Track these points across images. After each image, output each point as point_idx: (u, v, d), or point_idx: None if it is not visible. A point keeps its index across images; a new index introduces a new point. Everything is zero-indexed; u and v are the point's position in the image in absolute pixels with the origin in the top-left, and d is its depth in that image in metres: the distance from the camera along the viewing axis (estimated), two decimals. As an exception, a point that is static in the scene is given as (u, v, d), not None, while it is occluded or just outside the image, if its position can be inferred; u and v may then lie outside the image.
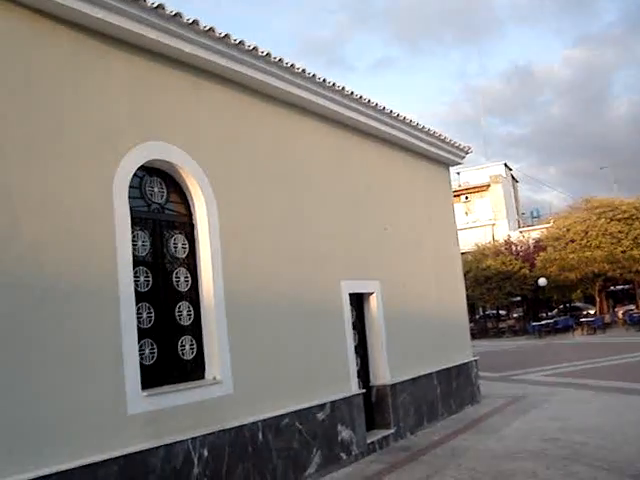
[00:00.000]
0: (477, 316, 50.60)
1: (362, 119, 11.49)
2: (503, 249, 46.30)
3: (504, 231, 53.71)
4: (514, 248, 46.50)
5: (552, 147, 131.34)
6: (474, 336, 45.94)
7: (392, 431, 11.25)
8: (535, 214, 61.60)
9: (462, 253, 48.25)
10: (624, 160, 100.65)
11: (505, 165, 62.43)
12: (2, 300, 5.92)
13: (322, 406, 9.56)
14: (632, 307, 42.66)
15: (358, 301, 11.43)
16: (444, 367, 13.51)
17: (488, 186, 59.18)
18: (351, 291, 10.82)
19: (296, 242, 9.71)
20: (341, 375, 10.24)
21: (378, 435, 10.95)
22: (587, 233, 40.71)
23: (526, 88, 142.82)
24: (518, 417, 12.50)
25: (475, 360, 15.23)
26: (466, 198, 58.97)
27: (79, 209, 6.74)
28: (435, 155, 14.56)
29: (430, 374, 12.88)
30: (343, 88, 10.53)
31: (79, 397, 6.39)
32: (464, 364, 14.57)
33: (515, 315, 49.66)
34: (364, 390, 10.73)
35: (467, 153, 15.72)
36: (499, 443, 10.41)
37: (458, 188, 60.99)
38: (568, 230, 41.72)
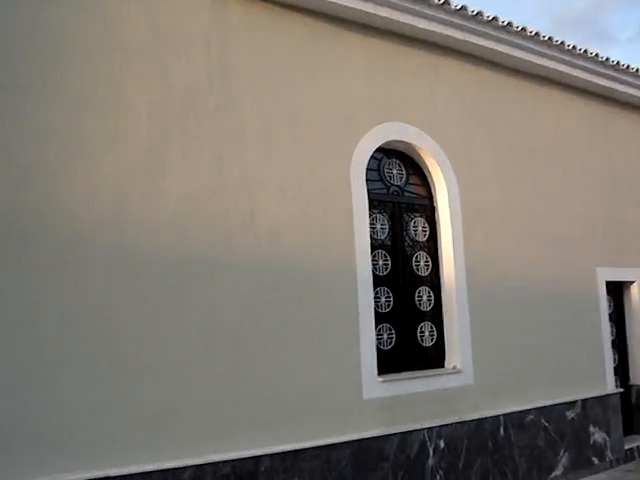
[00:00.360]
0: None
1: (619, 87, 10.17)
2: None
3: None
4: None
5: None
6: None
7: (654, 438, 10.03)
8: None
9: None
10: None
11: None
12: (243, 282, 6.12)
13: (572, 404, 8.76)
14: None
15: (616, 290, 10.28)
16: None
17: None
18: (608, 279, 9.75)
19: (544, 224, 8.92)
20: (595, 371, 9.30)
21: (639, 442, 9.81)
22: None
23: None
24: None
25: None
26: None
27: (317, 193, 6.76)
28: None
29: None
30: (596, 55, 9.38)
31: (315, 378, 6.46)
32: None
33: None
34: (622, 390, 9.65)
35: None
36: None
37: None
38: None
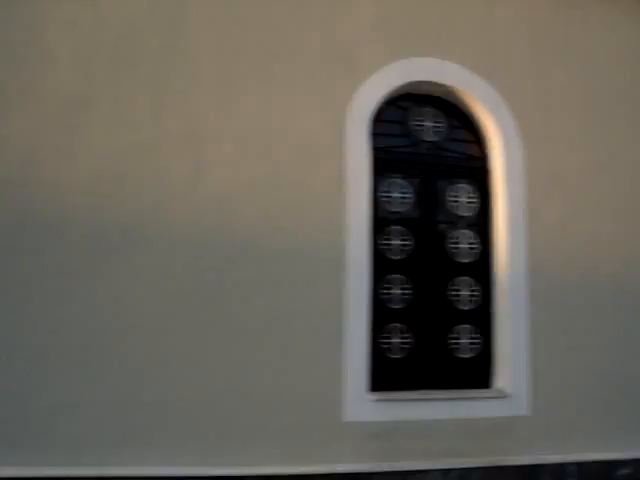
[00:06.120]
0: None
1: None
2: None
3: None
4: None
5: None
6: None
7: None
8: None
9: None
10: None
11: None
12: (179, 259, 4.86)
13: (625, 462, 6.01)
14: None
15: None
16: None
17: None
18: None
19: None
20: None
21: None
22: None
23: None
24: None
25: None
26: None
27: (293, 150, 5.27)
28: None
29: None
30: None
31: (273, 387, 5.02)
32: None
33: None
34: None
35: None
36: None
37: None
38: None
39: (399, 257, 5.55)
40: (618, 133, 6.10)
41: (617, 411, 5.77)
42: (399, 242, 5.57)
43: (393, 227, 5.57)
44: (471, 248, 5.77)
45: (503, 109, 5.75)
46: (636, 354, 5.90)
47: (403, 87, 5.62)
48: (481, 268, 5.74)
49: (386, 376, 5.36)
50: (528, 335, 5.56)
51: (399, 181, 5.65)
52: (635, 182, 6.09)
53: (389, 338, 5.45)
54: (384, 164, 5.56)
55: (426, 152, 5.78)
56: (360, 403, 5.11)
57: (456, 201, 5.79)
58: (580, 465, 5.56)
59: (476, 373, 5.63)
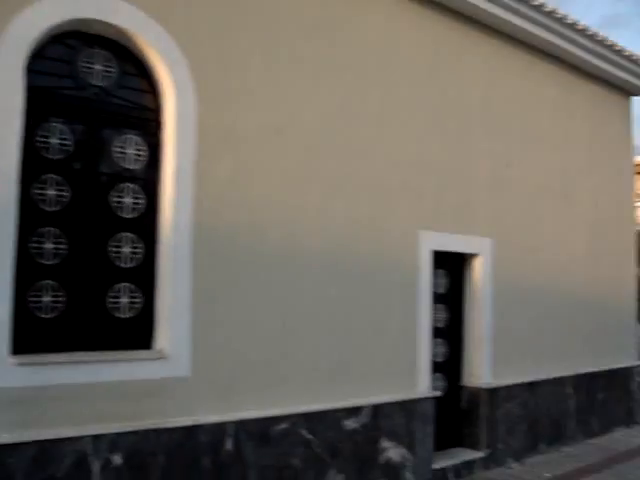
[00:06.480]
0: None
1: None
2: None
3: None
4: None
5: None
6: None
7: (482, 454, 7.97)
8: None
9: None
10: None
11: None
12: None
13: (354, 410, 6.61)
14: None
15: (454, 264, 8.16)
16: (586, 371, 9.74)
17: None
18: (438, 248, 7.60)
19: (343, 164, 6.71)
20: (401, 367, 7.15)
21: (458, 458, 7.74)
22: None
23: None
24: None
25: (640, 366, 11.18)
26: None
27: None
28: (608, 75, 10.42)
29: (560, 379, 9.24)
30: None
31: None
32: (621, 370, 10.58)
33: None
34: (439, 393, 7.54)
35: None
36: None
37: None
38: None
39: (54, 209, 5.03)
40: (320, 96, 6.38)
41: (275, 369, 6.00)
42: (55, 192, 5.04)
43: (49, 176, 5.03)
44: (136, 203, 5.46)
45: (180, 61, 5.54)
46: (297, 312, 6.19)
47: (72, 23, 5.07)
48: (145, 225, 5.48)
49: (35, 338, 4.86)
50: (191, 295, 5.47)
51: (60, 126, 5.11)
52: (309, 148, 6.35)
53: (39, 296, 4.93)
54: (43, 105, 4.98)
55: (93, 97, 5.30)
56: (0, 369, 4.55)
57: (123, 152, 5.43)
58: (239, 423, 5.66)
59: (137, 334, 5.38)
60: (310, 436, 6.19)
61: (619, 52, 10.10)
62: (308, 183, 6.39)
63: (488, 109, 8.44)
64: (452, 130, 7.90)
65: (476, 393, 8.07)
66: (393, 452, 6.90)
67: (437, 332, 7.81)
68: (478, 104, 8.30)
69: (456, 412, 8.11)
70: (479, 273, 8.17)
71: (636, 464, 8.35)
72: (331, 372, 6.46)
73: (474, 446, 8.01)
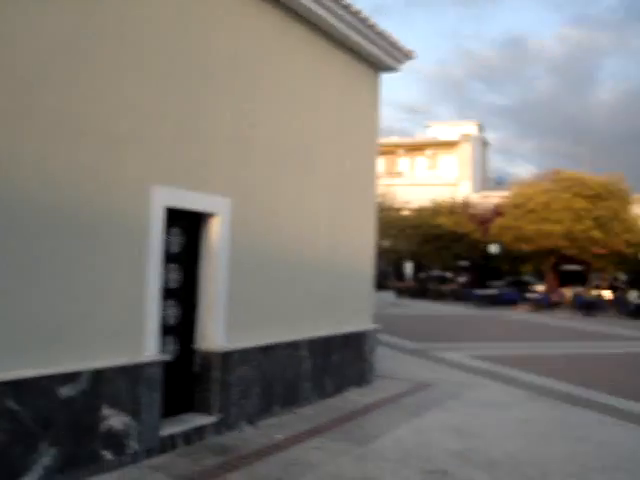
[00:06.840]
0: (423, 275, 47.66)
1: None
2: (460, 210, 43.28)
3: (466, 192, 50.42)
4: (471, 210, 43.52)
5: (532, 122, 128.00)
6: (413, 295, 43.15)
7: (214, 419, 7.66)
8: (499, 180, 58.09)
9: (419, 209, 45.22)
10: (600, 145, 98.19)
11: (478, 126, 58.80)
12: None
13: (72, 376, 5.89)
14: (581, 289, 39.95)
15: (190, 223, 7.69)
16: (322, 334, 9.89)
17: (456, 144, 55.59)
18: (172, 204, 7.08)
19: (66, 103, 5.87)
20: (127, 330, 6.55)
21: (188, 424, 7.34)
22: (549, 205, 37.97)
23: (516, 59, 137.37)
24: (409, 419, 8.94)
25: (374, 329, 11.70)
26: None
27: None
28: (360, 48, 10.61)
29: (296, 342, 9.25)
30: None
31: None
32: (355, 333, 10.95)
33: (460, 280, 46.50)
34: (168, 357, 7.08)
35: (408, 58, 11.87)
36: (357, 466, 6.86)
37: (425, 141, 57.74)
38: (530, 199, 38.84)
39: None
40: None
41: None
42: None
43: None
44: None
45: None
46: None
47: None
48: None
49: None
50: None
51: None
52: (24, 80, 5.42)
53: None
54: None
55: None
56: None
57: None
58: None
59: None
60: (16, 407, 5.38)
61: (371, 27, 10.30)
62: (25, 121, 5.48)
63: (236, 68, 8.03)
64: (196, 83, 7.37)
65: (209, 357, 7.73)
66: (115, 420, 6.30)
67: (170, 293, 7.30)
68: (226, 61, 7.84)
69: (189, 377, 7.71)
70: (216, 233, 7.79)
71: (352, 425, 8.62)
72: (45, 336, 5.67)
73: (206, 411, 7.67)
